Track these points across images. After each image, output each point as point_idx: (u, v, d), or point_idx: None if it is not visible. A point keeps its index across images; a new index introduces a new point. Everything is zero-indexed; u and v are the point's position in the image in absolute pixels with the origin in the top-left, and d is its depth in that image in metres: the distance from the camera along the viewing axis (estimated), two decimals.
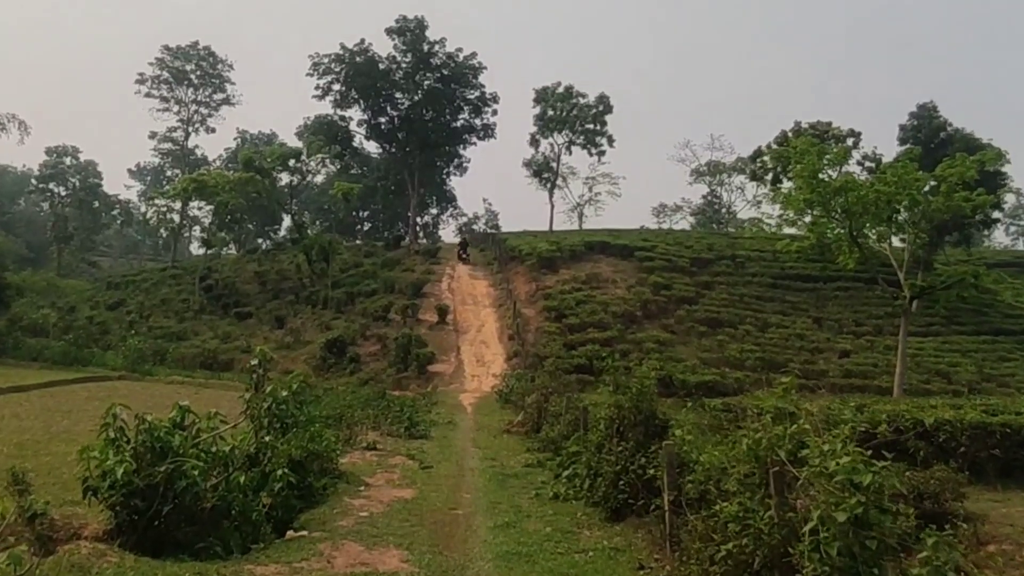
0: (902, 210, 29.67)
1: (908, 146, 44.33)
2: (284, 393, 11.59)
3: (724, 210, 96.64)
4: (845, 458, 5.60)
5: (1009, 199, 73.31)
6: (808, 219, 32.23)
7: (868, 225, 30.75)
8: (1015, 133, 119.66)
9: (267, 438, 12.05)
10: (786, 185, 47.19)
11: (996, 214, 52.10)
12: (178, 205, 68.30)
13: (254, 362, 11.36)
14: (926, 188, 31.42)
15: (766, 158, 59.61)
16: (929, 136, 49.50)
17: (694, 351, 39.81)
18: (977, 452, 13.23)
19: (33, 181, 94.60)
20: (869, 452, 5.79)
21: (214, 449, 10.11)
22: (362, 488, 14.21)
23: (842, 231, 30.84)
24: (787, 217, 33.03)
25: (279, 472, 11.46)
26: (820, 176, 29.68)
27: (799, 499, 6.15)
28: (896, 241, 35.89)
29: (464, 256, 63.94)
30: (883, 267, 36.48)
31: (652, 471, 10.48)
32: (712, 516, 7.40)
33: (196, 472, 9.09)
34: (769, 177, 58.43)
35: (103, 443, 9.21)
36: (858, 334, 44.46)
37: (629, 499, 11.49)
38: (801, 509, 6.04)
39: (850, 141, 47.60)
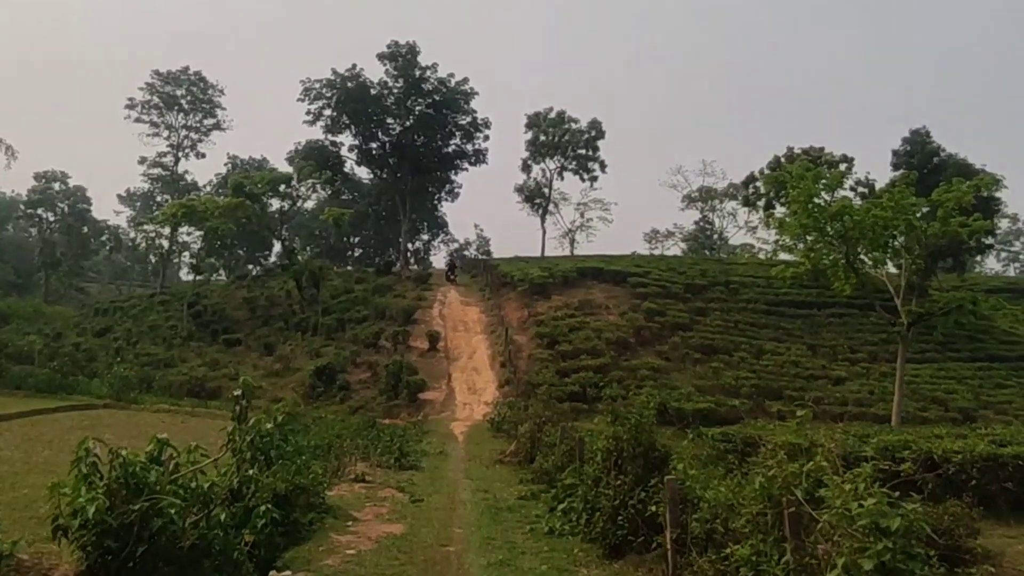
0: (898, 235, 29.33)
1: (902, 171, 44.18)
2: (269, 425, 11.08)
3: (716, 236, 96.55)
4: (870, 500, 5.16)
5: (1001, 224, 73.26)
6: (803, 245, 31.86)
7: (864, 250, 30.42)
8: (1004, 157, 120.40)
9: (251, 472, 11.51)
10: (780, 211, 47.09)
11: (989, 240, 51.89)
12: (167, 231, 67.80)
13: (237, 392, 10.84)
14: (920, 214, 31.17)
15: (759, 183, 59.52)
16: (922, 161, 49.47)
17: (689, 378, 39.36)
18: (988, 485, 12.77)
19: (21, 207, 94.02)
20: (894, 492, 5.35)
21: (193, 485, 9.59)
22: (350, 523, 13.69)
23: (838, 257, 30.51)
24: (783, 243, 32.63)
25: (262, 508, 10.93)
26: (816, 201, 29.39)
27: (819, 544, 5.70)
28: (890, 267, 35.65)
29: (452, 277, 64.58)
30: (877, 293, 36.19)
31: (653, 507, 9.99)
32: (722, 559, 6.93)
33: (173, 510, 8.56)
34: (762, 203, 58.28)
35: (75, 478, 8.70)
36: (853, 361, 44.11)
37: (628, 535, 11.00)
38: (822, 555, 5.58)
39: (843, 166, 47.33)
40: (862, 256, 30.99)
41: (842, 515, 5.37)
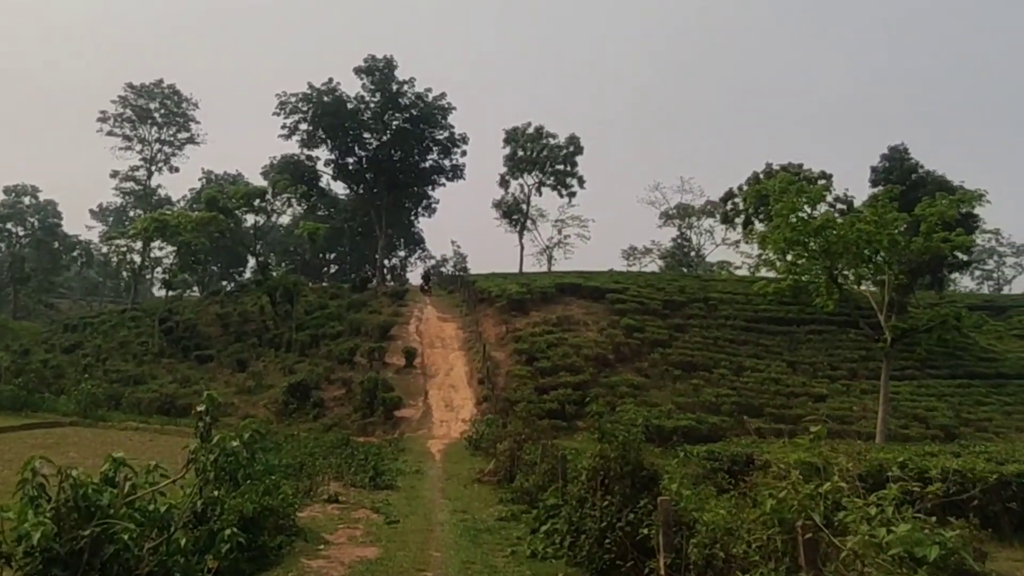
0: (881, 250, 29.01)
1: (883, 187, 44.03)
2: (235, 442, 10.41)
3: (693, 253, 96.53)
4: (903, 526, 4.60)
5: (980, 241, 73.50)
6: (787, 259, 31.49)
7: (847, 265, 30.09)
8: (979, 174, 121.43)
9: (216, 492, 10.84)
10: (759, 227, 46.85)
11: (968, 256, 51.95)
12: (139, 245, 66.68)
13: (200, 408, 10.16)
14: (899, 229, 30.92)
15: (738, 199, 59.34)
16: (901, 178, 49.50)
17: (669, 395, 38.88)
18: (990, 505, 12.24)
19: None
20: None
21: (152, 507, 8.89)
22: (321, 547, 12.98)
23: (821, 271, 30.16)
24: (766, 257, 32.26)
25: (227, 532, 10.27)
26: (799, 214, 29.06)
27: (842, 574, 5.12)
28: (869, 285, 35.35)
29: (427, 288, 65.55)
30: (858, 310, 35.89)
31: (645, 530, 9.38)
32: None
33: (127, 535, 7.87)
34: (741, 219, 58.06)
35: (20, 502, 7.99)
36: (833, 378, 43.84)
37: (617, 559, 10.39)
38: None
39: (821, 183, 47.24)
40: (844, 271, 30.66)
41: (868, 542, 4.81)
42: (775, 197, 30.05)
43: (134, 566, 8.15)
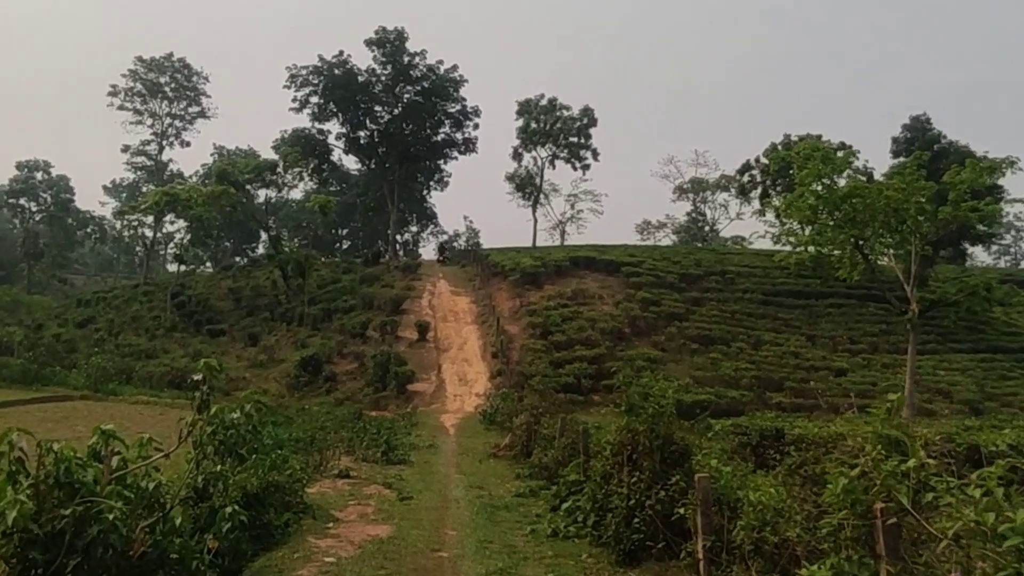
0: (908, 219, 27.98)
1: (905, 157, 42.86)
2: (235, 415, 9.69)
3: (708, 228, 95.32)
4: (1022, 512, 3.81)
5: (1010, 210, 72.03)
6: (809, 230, 30.50)
7: (873, 235, 29.07)
8: (1003, 144, 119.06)
9: (218, 468, 10.15)
10: (777, 200, 45.79)
11: (990, 229, 50.70)
12: (151, 220, 66.20)
13: (197, 376, 9.42)
14: (925, 198, 29.91)
15: (755, 171, 58.22)
16: (923, 148, 48.25)
17: (687, 369, 38.13)
18: None
19: (3, 196, 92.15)
20: None
21: (145, 484, 8.17)
22: (331, 524, 12.31)
23: (846, 241, 29.16)
24: (789, 228, 31.26)
25: (228, 510, 9.58)
26: (824, 182, 28.07)
27: (934, 564, 4.35)
28: (885, 259, 34.37)
29: (443, 259, 66.45)
30: (879, 282, 34.95)
31: (681, 509, 8.59)
32: None
33: (112, 515, 7.15)
34: (758, 191, 56.97)
35: (1, 479, 7.27)
36: (853, 352, 43.07)
37: (646, 540, 9.65)
38: None
39: (840, 154, 46.16)
40: (871, 241, 29.67)
41: (975, 529, 4.02)
42: (799, 164, 29.06)
43: (123, 547, 7.44)
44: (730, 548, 7.23)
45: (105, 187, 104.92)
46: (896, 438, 5.21)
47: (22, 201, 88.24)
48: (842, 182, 29.21)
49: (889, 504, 4.77)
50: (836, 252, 30.73)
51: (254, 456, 11.38)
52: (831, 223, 28.53)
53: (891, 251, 31.21)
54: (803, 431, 14.80)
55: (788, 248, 34.19)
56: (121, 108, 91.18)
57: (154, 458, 8.32)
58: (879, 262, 32.52)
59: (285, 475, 12.28)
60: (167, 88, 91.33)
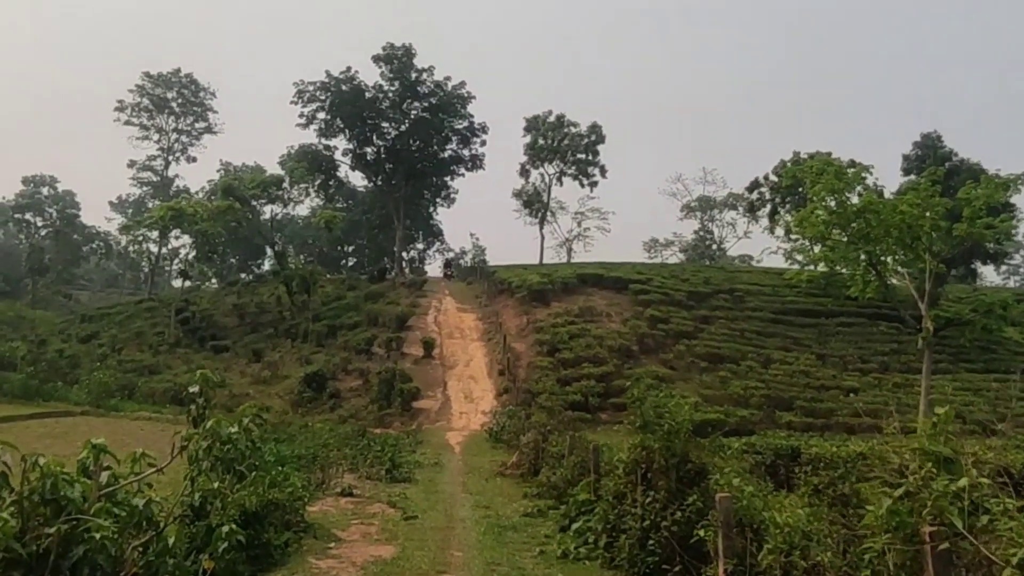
0: (922, 236, 27.57)
1: (916, 175, 42.54)
2: (232, 429, 9.29)
3: (715, 246, 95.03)
4: None
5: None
6: (819, 247, 30.10)
7: (886, 251, 28.64)
8: (1014, 162, 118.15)
9: (216, 485, 9.74)
10: (787, 217, 45.44)
11: (1004, 247, 50.33)
12: (156, 235, 66.07)
13: (193, 389, 9.03)
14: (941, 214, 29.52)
15: (764, 189, 57.88)
16: (935, 165, 48.06)
17: (695, 388, 37.62)
18: None
19: (10, 211, 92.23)
20: None
21: (136, 501, 7.76)
22: (332, 544, 11.88)
23: (859, 258, 28.74)
24: (800, 245, 30.88)
25: (225, 528, 9.16)
26: (839, 197, 27.69)
27: None
28: (903, 274, 33.97)
29: (449, 274, 67.53)
30: (887, 302, 34.51)
31: (701, 531, 8.17)
32: None
33: (100, 534, 6.74)
34: (767, 209, 56.63)
35: None
36: (864, 371, 42.47)
37: (662, 563, 9.22)
38: None
39: (858, 166, 45.83)
40: (883, 258, 29.24)
41: None
42: (811, 180, 28.70)
43: (112, 568, 7.03)
44: (754, 573, 6.79)
45: (111, 202, 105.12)
46: (944, 455, 4.79)
47: (28, 216, 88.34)
48: (854, 199, 28.87)
49: (939, 527, 4.35)
50: (849, 270, 30.29)
51: (254, 473, 10.98)
52: (844, 239, 28.13)
53: (904, 269, 30.77)
54: (820, 450, 14.34)
55: (798, 266, 33.82)
56: (128, 123, 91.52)
57: (146, 474, 7.92)
58: (896, 278, 32.10)
59: (286, 493, 11.87)
60: (174, 103, 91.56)
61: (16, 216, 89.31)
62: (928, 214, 26.84)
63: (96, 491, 7.17)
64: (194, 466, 9.09)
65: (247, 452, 10.53)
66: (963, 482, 4.44)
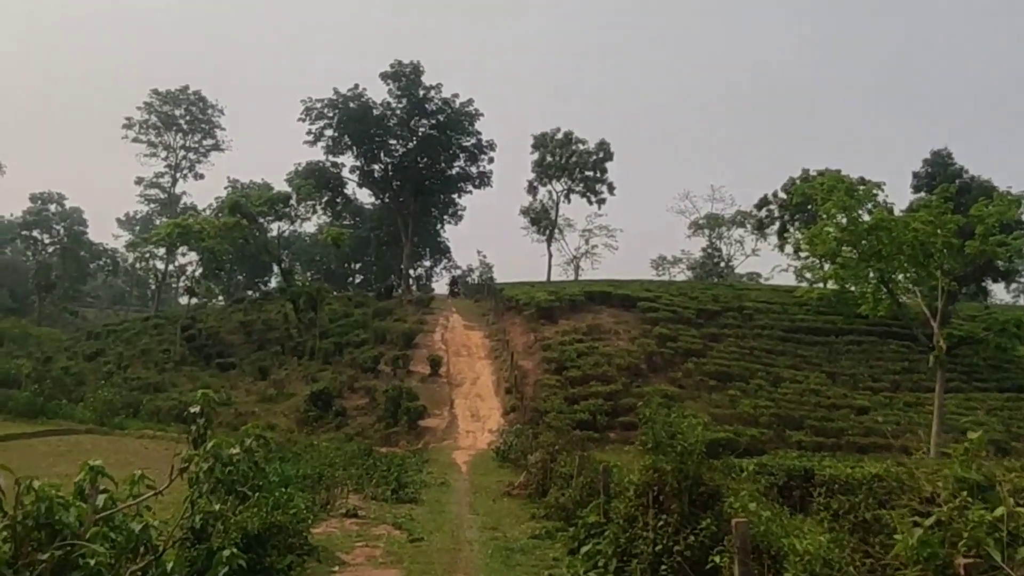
0: (935, 253, 27.29)
1: (923, 193, 42.30)
2: (234, 450, 9.08)
3: (723, 264, 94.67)
4: None
5: None
6: (830, 266, 29.82)
7: (898, 269, 28.36)
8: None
9: (217, 507, 9.53)
10: (796, 235, 45.19)
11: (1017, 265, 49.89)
12: (162, 252, 66.09)
13: (194, 409, 8.81)
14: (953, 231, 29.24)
15: (773, 207, 57.65)
16: (944, 183, 47.83)
17: (704, 406, 37.21)
18: None
19: (17, 228, 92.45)
20: None
21: (135, 525, 7.52)
22: (336, 568, 11.63)
23: (871, 276, 28.47)
24: (810, 264, 30.63)
25: (226, 552, 8.92)
26: (851, 214, 27.45)
27: None
28: (915, 292, 33.67)
29: (454, 292, 67.74)
30: (897, 320, 34.14)
31: (716, 557, 7.89)
32: None
33: (95, 560, 6.51)
34: (776, 227, 56.39)
35: None
36: (875, 390, 42.10)
37: None
38: None
39: (870, 183, 45.62)
40: (895, 276, 28.95)
41: None
42: (822, 197, 28.47)
43: None
44: None
45: (119, 219, 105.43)
46: (978, 482, 4.54)
47: (35, 233, 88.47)
48: (865, 216, 28.63)
49: (975, 559, 4.10)
50: (860, 287, 30.00)
51: (257, 494, 10.77)
52: (855, 257, 27.86)
53: (917, 287, 30.49)
54: (835, 471, 14.03)
55: (808, 283, 33.54)
56: (136, 140, 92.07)
57: (144, 496, 7.69)
58: (907, 296, 31.81)
59: (289, 514, 11.61)
60: (182, 121, 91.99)
61: (24, 233, 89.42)
62: (940, 231, 26.54)
63: (92, 515, 6.96)
64: (195, 488, 8.88)
65: (250, 473, 10.36)
66: (1000, 511, 4.20)
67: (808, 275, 30.64)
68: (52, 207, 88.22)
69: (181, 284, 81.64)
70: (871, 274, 28.53)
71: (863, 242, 27.11)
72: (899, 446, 33.47)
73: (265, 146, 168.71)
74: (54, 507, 6.68)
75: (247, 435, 9.63)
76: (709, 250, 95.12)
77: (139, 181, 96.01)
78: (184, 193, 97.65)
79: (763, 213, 64.72)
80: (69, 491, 7.22)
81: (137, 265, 72.76)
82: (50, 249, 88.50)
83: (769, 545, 7.14)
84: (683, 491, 9.45)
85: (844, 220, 27.43)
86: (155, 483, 7.94)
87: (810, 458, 23.24)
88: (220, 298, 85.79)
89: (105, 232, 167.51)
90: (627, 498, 10.67)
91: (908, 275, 29.05)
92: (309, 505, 14.25)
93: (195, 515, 9.32)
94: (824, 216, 28.27)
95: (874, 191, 29.30)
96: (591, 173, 78.51)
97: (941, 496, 4.57)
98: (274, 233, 63.82)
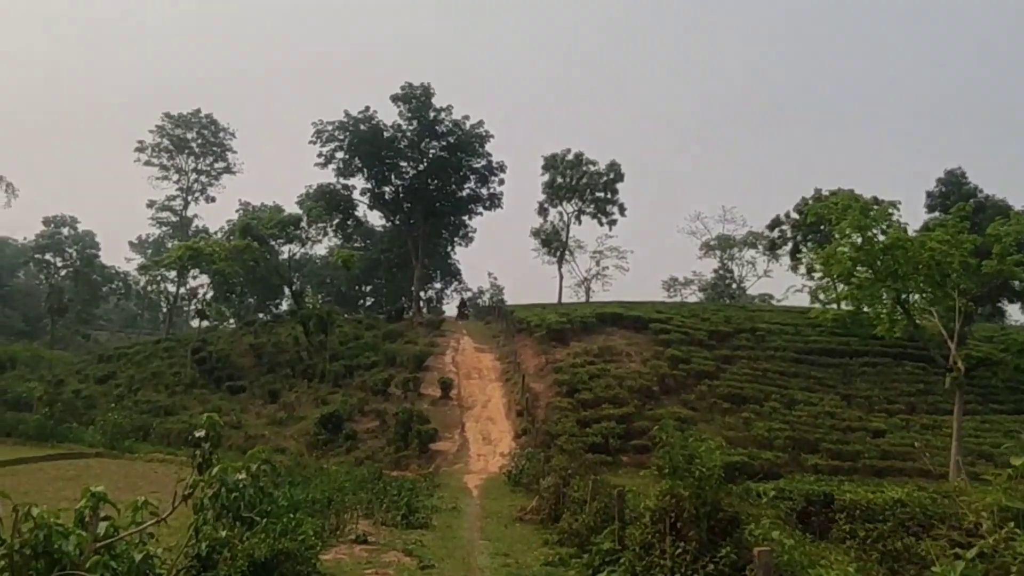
0: (952, 273, 26.97)
1: (938, 213, 41.98)
2: (240, 475, 8.85)
3: (735, 285, 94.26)
4: None
5: None
6: (844, 287, 29.50)
7: (915, 289, 28.03)
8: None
9: (223, 533, 9.31)
10: (809, 256, 44.88)
11: None
12: (173, 275, 66.17)
13: (199, 433, 8.60)
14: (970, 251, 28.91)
15: (786, 227, 57.38)
16: (960, 202, 47.48)
17: (718, 429, 36.74)
18: None
19: (30, 251, 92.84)
20: None
21: (135, 555, 7.29)
22: None
23: (887, 296, 28.14)
24: (824, 284, 30.33)
25: None
26: (866, 233, 27.17)
27: None
28: (933, 313, 33.29)
29: (465, 313, 68.61)
30: (912, 341, 33.75)
31: None
32: None
33: None
34: (788, 247, 56.08)
35: None
36: (891, 412, 41.53)
37: None
38: None
39: (886, 202, 45.35)
40: (911, 296, 28.62)
41: None
42: (837, 215, 28.21)
43: None
44: None
45: (131, 243, 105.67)
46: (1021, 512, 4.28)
47: (48, 256, 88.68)
48: (880, 236, 28.36)
49: None
50: (875, 308, 29.66)
51: (264, 520, 10.55)
52: (870, 277, 27.55)
53: (933, 307, 30.13)
54: (855, 496, 13.72)
55: (820, 305, 33.21)
56: (148, 164, 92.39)
57: (147, 524, 7.47)
58: (925, 317, 31.42)
59: (298, 541, 11.36)
60: (194, 144, 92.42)
61: (37, 256, 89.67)
62: (957, 251, 26.25)
63: (92, 543, 6.75)
64: (200, 515, 8.66)
65: (257, 499, 10.12)
66: None
67: (822, 296, 30.28)
68: (65, 230, 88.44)
69: (192, 307, 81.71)
70: (886, 295, 28.18)
71: (878, 262, 26.82)
72: (918, 469, 33.23)
73: (277, 168, 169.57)
74: (53, 535, 6.47)
75: (253, 460, 9.42)
76: (721, 271, 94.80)
77: (151, 204, 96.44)
78: (196, 216, 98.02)
79: (775, 234, 64.45)
80: (71, 518, 7.03)
81: (148, 288, 72.86)
82: (63, 272, 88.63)
83: (794, 575, 6.86)
84: (701, 517, 9.20)
85: (859, 240, 27.17)
86: (158, 509, 7.73)
87: (828, 482, 22.94)
88: (231, 321, 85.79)
89: (118, 255, 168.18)
90: (643, 524, 10.42)
91: (924, 295, 28.68)
92: (318, 531, 13.98)
93: (200, 542, 9.11)
94: (838, 236, 28.03)
95: (890, 210, 29.03)
96: (602, 194, 78.31)
97: (984, 526, 4.31)
98: (285, 256, 63.84)
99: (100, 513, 7.01)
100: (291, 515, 12.33)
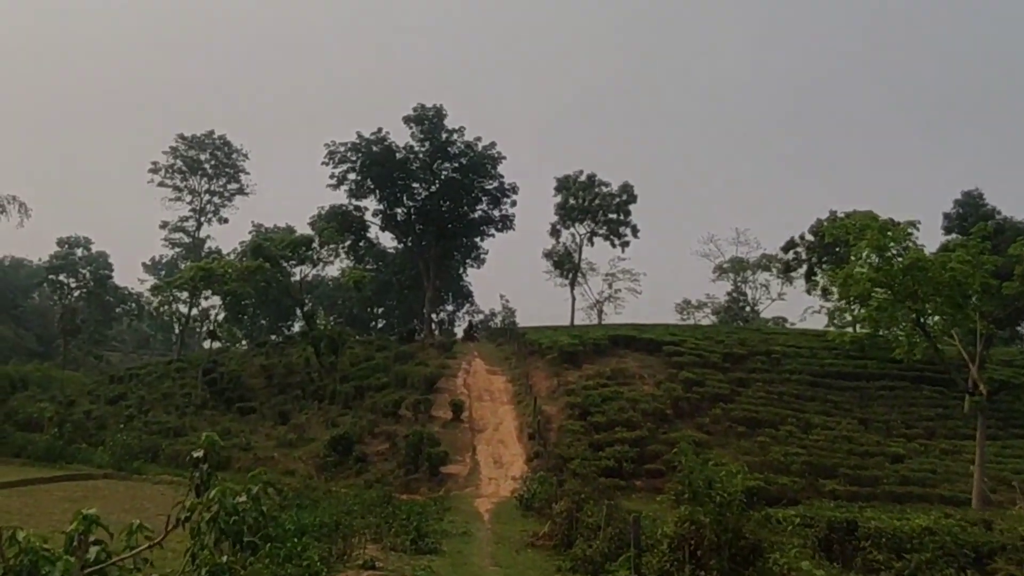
0: (973, 294, 26.49)
1: (955, 234, 41.47)
2: (240, 498, 8.49)
3: (748, 308, 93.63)
4: None
5: None
6: (861, 309, 29.00)
7: (935, 311, 27.51)
8: None
9: (224, 559, 8.90)
10: (824, 279, 44.40)
11: None
12: (185, 295, 66.12)
13: (197, 454, 8.24)
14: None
15: (800, 249, 56.89)
16: (980, 223, 47.01)
17: (734, 453, 36.08)
18: None
19: (44, 272, 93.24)
20: None
21: None
22: None
23: (906, 318, 27.63)
24: (841, 306, 29.84)
25: None
26: (885, 254, 26.71)
27: None
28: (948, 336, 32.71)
29: (474, 335, 68.46)
30: (930, 364, 33.15)
31: None
32: None
33: None
34: (803, 269, 55.57)
35: None
36: (909, 437, 40.83)
37: None
38: None
39: (905, 221, 44.96)
40: (931, 318, 28.09)
41: None
42: (855, 236, 27.77)
43: None
44: None
45: (144, 264, 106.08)
46: None
47: (62, 277, 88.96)
48: (898, 256, 27.91)
49: None
50: (894, 330, 29.16)
51: (268, 545, 10.17)
52: (888, 298, 27.06)
53: (954, 329, 29.58)
54: (879, 523, 13.24)
55: (836, 327, 32.70)
56: (161, 185, 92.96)
57: (140, 548, 7.10)
58: (946, 340, 30.85)
59: (302, 567, 11.00)
60: (207, 165, 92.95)
61: (51, 277, 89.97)
62: (977, 272, 25.76)
63: (78, 571, 6.38)
64: (197, 540, 8.28)
65: (259, 523, 9.73)
66: None
67: (837, 319, 29.83)
68: (79, 251, 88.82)
69: (204, 328, 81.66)
70: (904, 317, 27.66)
71: (897, 283, 26.35)
72: (939, 495, 32.56)
73: (289, 189, 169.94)
74: (40, 561, 6.09)
75: (255, 481, 9.04)
76: (734, 294, 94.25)
77: (164, 225, 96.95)
78: (209, 237, 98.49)
79: (790, 255, 63.99)
80: (62, 542, 6.68)
81: (161, 309, 72.91)
82: (76, 293, 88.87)
83: None
84: (723, 545, 8.81)
85: (877, 260, 26.72)
86: (153, 533, 7.35)
87: (848, 508, 22.42)
88: (243, 342, 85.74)
89: (131, 276, 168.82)
90: (661, 552, 10.02)
91: (944, 317, 28.16)
92: (324, 556, 13.60)
93: (200, 568, 8.72)
94: (855, 256, 27.59)
95: (909, 230, 28.56)
96: (614, 216, 78.09)
97: None
98: (297, 277, 63.71)
99: (92, 537, 6.65)
100: (297, 539, 11.98)
